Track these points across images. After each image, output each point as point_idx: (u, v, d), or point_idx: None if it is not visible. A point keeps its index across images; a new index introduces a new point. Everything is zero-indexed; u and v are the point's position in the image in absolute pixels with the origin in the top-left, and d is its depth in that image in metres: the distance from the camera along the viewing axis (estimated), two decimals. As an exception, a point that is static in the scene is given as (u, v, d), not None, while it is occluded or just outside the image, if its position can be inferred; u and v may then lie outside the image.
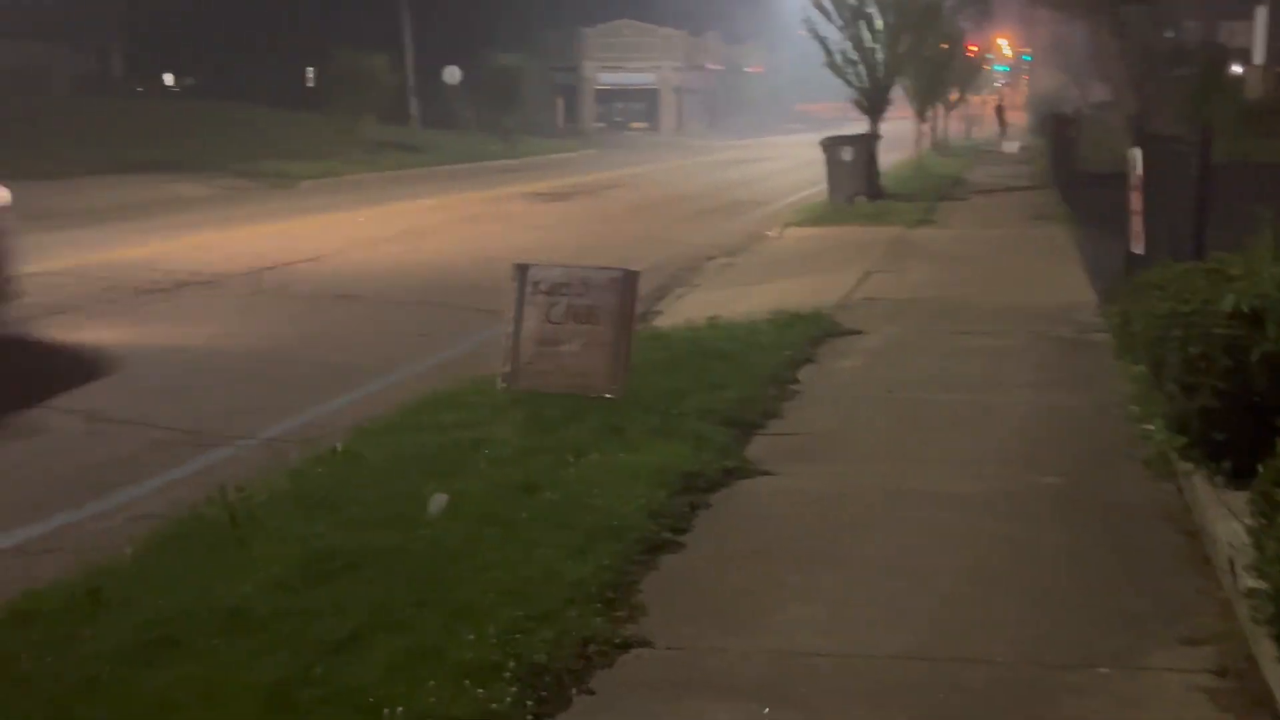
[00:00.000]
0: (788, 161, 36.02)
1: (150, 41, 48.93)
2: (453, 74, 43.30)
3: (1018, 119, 53.70)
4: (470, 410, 6.83)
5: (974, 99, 64.94)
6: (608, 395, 6.78)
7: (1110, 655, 3.91)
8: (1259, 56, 32.49)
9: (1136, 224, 8.56)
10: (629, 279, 6.95)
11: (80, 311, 11.09)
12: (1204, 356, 4.48)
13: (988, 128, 53.12)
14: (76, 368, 8.91)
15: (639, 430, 6.34)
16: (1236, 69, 34.26)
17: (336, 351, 9.60)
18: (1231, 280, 4.83)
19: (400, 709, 3.42)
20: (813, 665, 3.95)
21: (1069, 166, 19.65)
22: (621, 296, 6.89)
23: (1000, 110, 45.88)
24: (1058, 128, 23.95)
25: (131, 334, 10.17)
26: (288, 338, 10.19)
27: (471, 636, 3.90)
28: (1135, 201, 8.56)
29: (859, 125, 21.92)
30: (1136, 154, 8.32)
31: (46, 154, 25.34)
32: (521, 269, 7.08)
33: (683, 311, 10.95)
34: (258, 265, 13.96)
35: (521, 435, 6.29)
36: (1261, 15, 32.39)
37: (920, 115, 30.21)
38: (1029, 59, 73.59)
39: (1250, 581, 3.40)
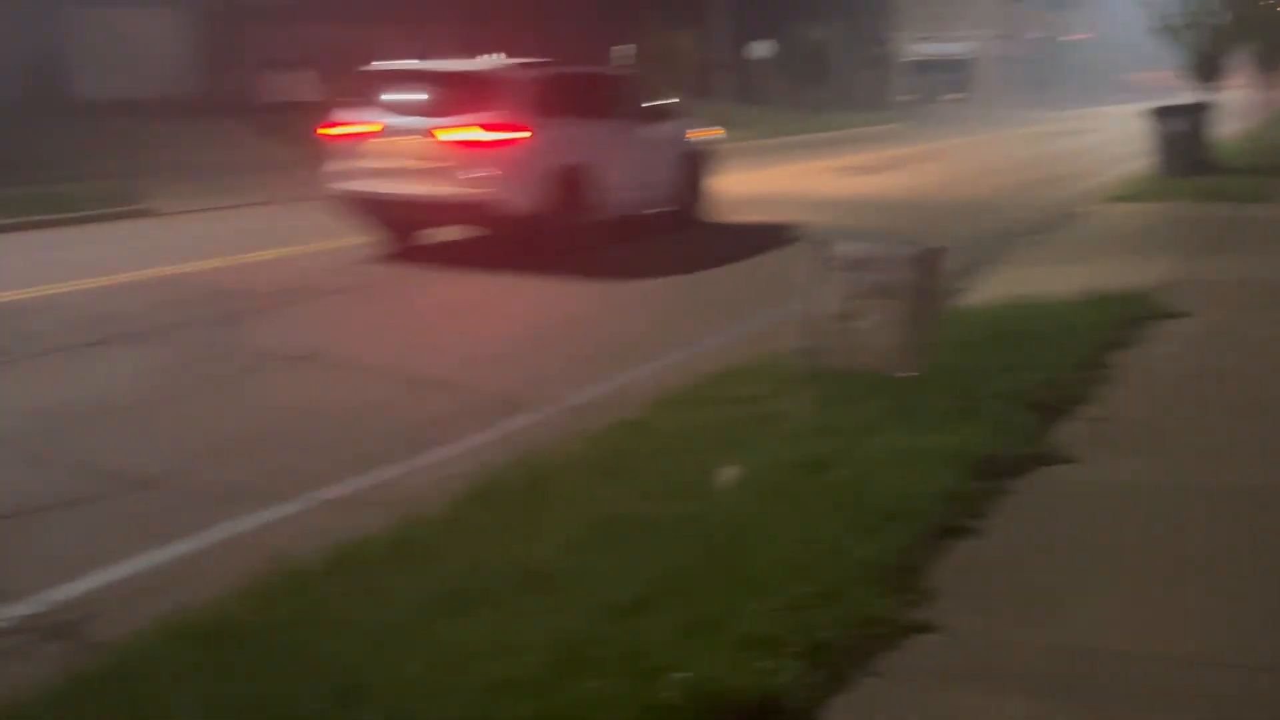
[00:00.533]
0: (1111, 133, 34.13)
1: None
2: (762, 48, 43.33)
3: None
4: (763, 385, 6.84)
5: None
6: (904, 374, 6.64)
7: None
8: None
9: None
10: (931, 256, 6.77)
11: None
12: None
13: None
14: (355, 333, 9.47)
15: (935, 411, 6.17)
16: None
17: (637, 323, 9.82)
18: None
19: (682, 674, 3.47)
20: (1107, 664, 3.75)
21: None
22: (922, 273, 6.72)
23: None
24: None
25: (457, 303, 10.73)
26: (588, 311, 10.49)
27: (755, 609, 3.91)
28: None
29: (1191, 96, 20.51)
30: None
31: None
32: (821, 244, 7.02)
33: (990, 289, 10.57)
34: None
35: (813, 412, 6.25)
36: None
37: (1263, 83, 27.89)
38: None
39: None
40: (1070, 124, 43.15)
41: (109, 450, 6.41)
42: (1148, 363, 7.57)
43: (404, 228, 13.00)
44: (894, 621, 3.98)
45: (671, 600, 4.03)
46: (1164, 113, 19.08)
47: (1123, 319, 8.54)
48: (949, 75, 64.33)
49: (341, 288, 11.09)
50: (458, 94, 12.09)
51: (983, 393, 6.46)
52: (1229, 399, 6.72)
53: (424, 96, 12.11)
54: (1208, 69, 19.72)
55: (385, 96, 12.29)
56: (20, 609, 4.55)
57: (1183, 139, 18.71)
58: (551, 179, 12.24)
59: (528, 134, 12.04)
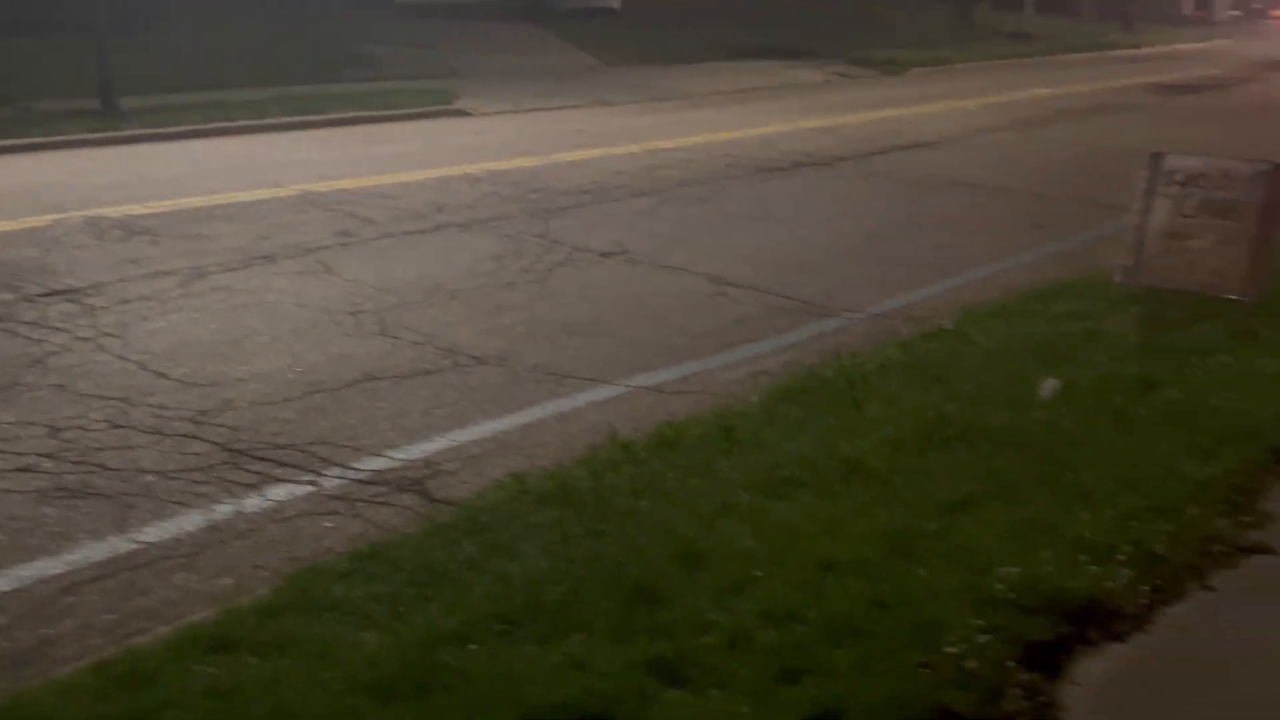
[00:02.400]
0: None
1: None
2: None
3: None
4: (1083, 301, 6.67)
5: None
6: (1240, 297, 6.33)
7: None
8: None
9: None
10: (1275, 173, 6.39)
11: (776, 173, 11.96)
12: None
13: None
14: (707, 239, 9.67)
15: (1274, 337, 5.88)
16: None
17: (944, 237, 9.66)
18: None
19: (1014, 570, 3.51)
20: None
21: None
22: (1269, 192, 6.36)
23: None
24: None
25: (754, 209, 10.84)
26: (896, 220, 10.38)
27: (1087, 517, 3.89)
28: None
29: None
30: None
31: (670, 39, 27.19)
32: (1156, 157, 6.74)
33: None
34: (868, 149, 14.26)
35: (1139, 331, 6.07)
36: None
37: None
38: None
39: None
40: None
41: (445, 327, 6.86)
42: None
43: None
44: (1232, 541, 3.89)
45: (998, 502, 4.05)
46: None
47: None
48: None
49: (645, 190, 11.36)
50: None
51: (1326, 322, 6.11)
52: None
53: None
54: None
55: None
56: (377, 463, 4.99)
57: None
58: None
59: None
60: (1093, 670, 3.23)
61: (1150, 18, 42.42)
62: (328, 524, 4.44)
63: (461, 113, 17.05)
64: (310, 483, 4.79)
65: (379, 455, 5.07)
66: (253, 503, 4.57)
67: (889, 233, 9.87)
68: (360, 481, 4.82)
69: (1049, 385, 5.19)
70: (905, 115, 18.09)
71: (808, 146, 14.45)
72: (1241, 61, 30.56)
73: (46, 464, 4.89)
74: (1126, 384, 5.25)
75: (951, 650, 3.12)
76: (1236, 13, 56.96)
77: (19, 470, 4.83)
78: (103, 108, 14.87)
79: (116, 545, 4.20)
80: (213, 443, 5.13)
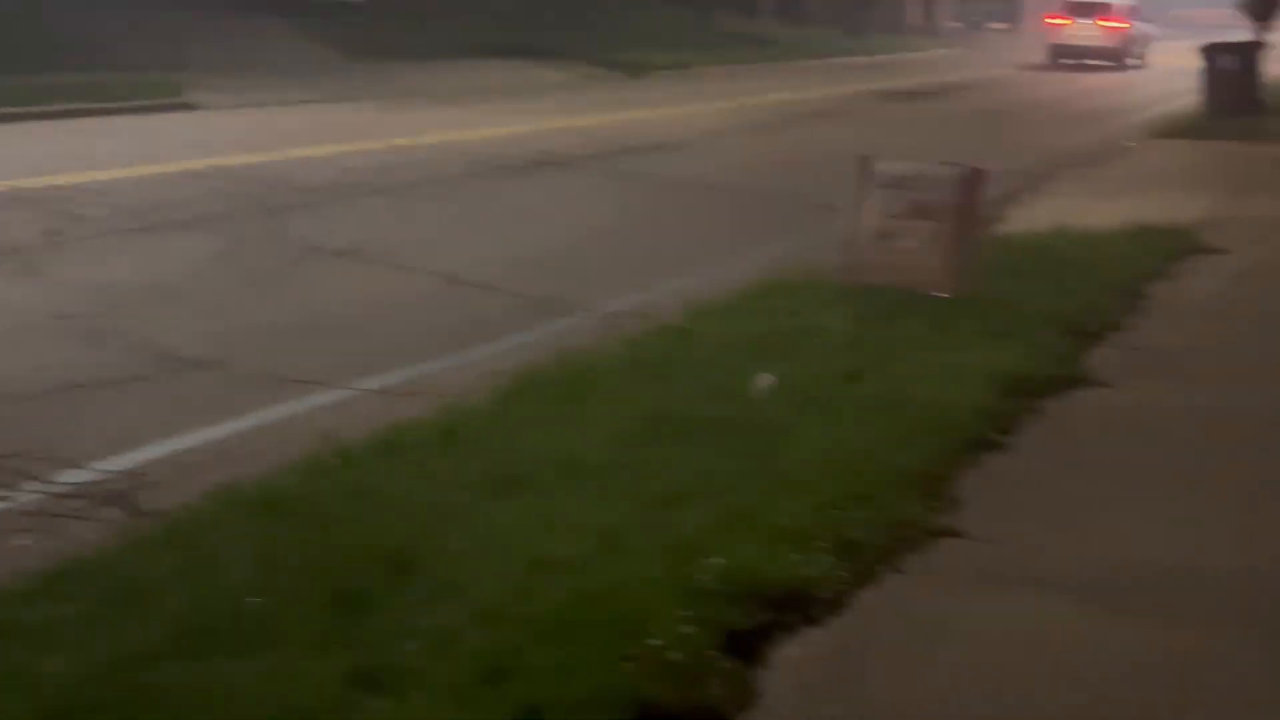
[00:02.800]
0: (1159, 69, 33.55)
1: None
2: (808, -33, 42.64)
3: None
4: (801, 299, 6.93)
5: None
6: (942, 294, 6.72)
7: None
8: None
9: None
10: (974, 177, 6.82)
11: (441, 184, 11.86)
12: None
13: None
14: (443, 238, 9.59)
15: (972, 330, 6.26)
16: None
17: (679, 236, 9.90)
18: None
19: (717, 560, 3.61)
20: (1136, 573, 3.88)
21: None
22: (965, 194, 6.78)
23: None
24: None
25: (492, 208, 10.81)
26: (635, 220, 10.58)
27: (789, 506, 4.05)
28: None
29: (1245, 34, 20.13)
30: None
31: (414, 35, 26.84)
32: (865, 161, 7.07)
33: (1029, 218, 10.57)
34: (610, 150, 14.45)
35: (850, 326, 6.35)
36: None
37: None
38: None
39: None
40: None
41: (161, 331, 6.57)
42: (1184, 295, 7.62)
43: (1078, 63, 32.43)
44: (922, 525, 4.11)
45: (709, 495, 4.16)
46: (1214, 50, 18.79)
47: (1162, 252, 8.57)
48: (995, 3, 63.15)
49: (382, 188, 11.18)
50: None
51: (1021, 315, 6.55)
52: (1260, 333, 6.77)
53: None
54: (1263, 8, 19.32)
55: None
56: (78, 475, 4.73)
57: (1233, 77, 18.43)
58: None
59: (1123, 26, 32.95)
60: (789, 654, 3.36)
61: (879, 27, 44.55)
62: (21, 542, 4.19)
63: (190, 106, 16.41)
64: (3, 498, 4.50)
65: (81, 467, 4.80)
66: (-66, 524, 4.27)
67: (627, 232, 10.04)
68: (59, 496, 4.56)
69: (763, 380, 5.37)
70: (647, 117, 18.44)
71: (550, 146, 14.53)
72: (962, 72, 32.43)
73: None
74: (836, 377, 5.49)
75: (655, 643, 3.18)
76: (958, 24, 60.46)
77: None
78: None
79: None
80: (-109, 461, 4.76)
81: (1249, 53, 18.71)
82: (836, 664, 3.36)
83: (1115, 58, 33.39)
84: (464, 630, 3.24)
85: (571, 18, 32.69)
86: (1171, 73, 26.50)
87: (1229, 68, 18.49)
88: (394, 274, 8.19)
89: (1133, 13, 35.50)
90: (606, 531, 3.85)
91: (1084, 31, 34.22)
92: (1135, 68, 34.36)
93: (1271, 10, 19.59)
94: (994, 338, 6.13)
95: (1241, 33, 20.18)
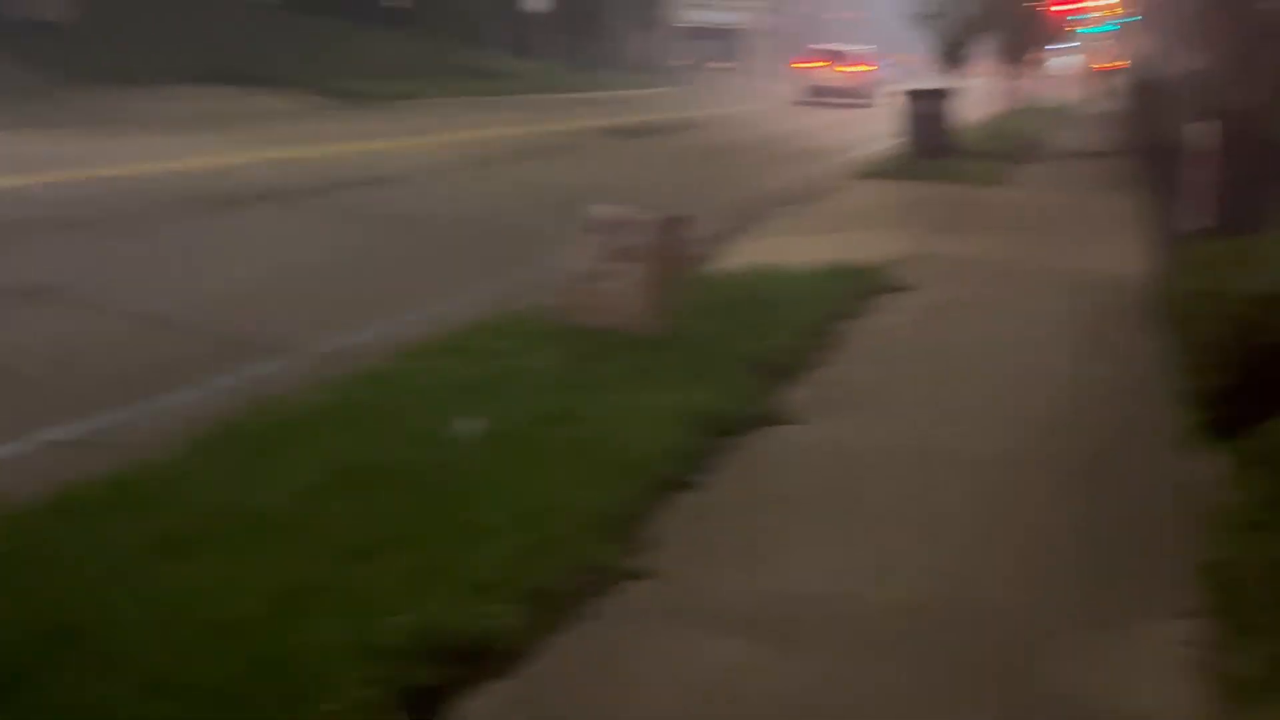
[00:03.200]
0: (868, 111, 35.55)
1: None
2: (539, 1, 43.18)
3: (1116, 82, 52.35)
4: (513, 340, 6.96)
5: (1085, 60, 63.21)
6: (648, 335, 6.88)
7: (1098, 621, 3.98)
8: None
9: (1196, 198, 8.46)
10: (676, 223, 7.03)
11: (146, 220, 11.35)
12: (1229, 336, 4.48)
13: (1083, 89, 51.86)
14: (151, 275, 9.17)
15: (674, 371, 6.43)
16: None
17: (398, 275, 9.78)
18: (1270, 263, 4.80)
19: (402, 617, 3.57)
20: (811, 608, 4.05)
21: (1149, 135, 19.24)
22: (668, 239, 6.97)
23: (1103, 72, 44.60)
24: (1141, 94, 23.41)
25: (201, 244, 10.42)
26: (353, 258, 10.38)
27: (480, 556, 4.05)
28: (1195, 175, 8.45)
29: (939, 81, 21.60)
30: (1198, 128, 8.20)
31: (126, 58, 25.64)
32: (575, 205, 7.18)
33: (740, 257, 10.98)
34: (331, 183, 14.17)
35: (558, 368, 6.42)
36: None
37: (1005, 73, 29.63)
38: (1128, 20, 71.64)
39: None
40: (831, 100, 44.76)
41: None
42: (874, 332, 8.06)
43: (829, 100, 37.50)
44: (613, 568, 4.18)
45: (400, 547, 4.11)
46: (913, 95, 20.06)
47: (856, 290, 9.04)
48: (719, 43, 65.62)
49: (82, 222, 10.60)
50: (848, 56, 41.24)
51: (718, 355, 6.77)
52: (942, 369, 7.22)
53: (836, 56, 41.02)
54: (955, 56, 20.79)
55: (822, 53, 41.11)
56: None
57: (929, 121, 19.73)
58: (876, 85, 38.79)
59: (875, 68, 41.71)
60: (474, 708, 3.36)
61: (607, 63, 45.48)
62: None
63: None
64: None
65: None
66: None
67: (343, 270, 9.85)
68: None
69: (467, 424, 5.36)
70: (372, 149, 18.20)
71: (267, 178, 14.14)
72: (685, 110, 33.44)
73: None
74: (538, 420, 5.53)
75: (330, 708, 3.12)
76: (682, 62, 62.39)
77: None
78: None
79: None
80: None
81: (943, 99, 20.07)
82: (523, 712, 3.38)
83: (856, 95, 40.20)
84: (126, 703, 3.09)
85: (297, 44, 31.92)
86: (891, 113, 28.02)
87: (926, 113, 19.77)
88: (88, 315, 7.77)
89: (871, 58, 43.97)
90: (290, 591, 3.74)
91: (830, 74, 41.71)
92: (866, 106, 38.83)
93: (963, 60, 21.07)
94: (692, 378, 6.31)
95: (936, 79, 21.65)
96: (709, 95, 42.50)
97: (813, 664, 3.69)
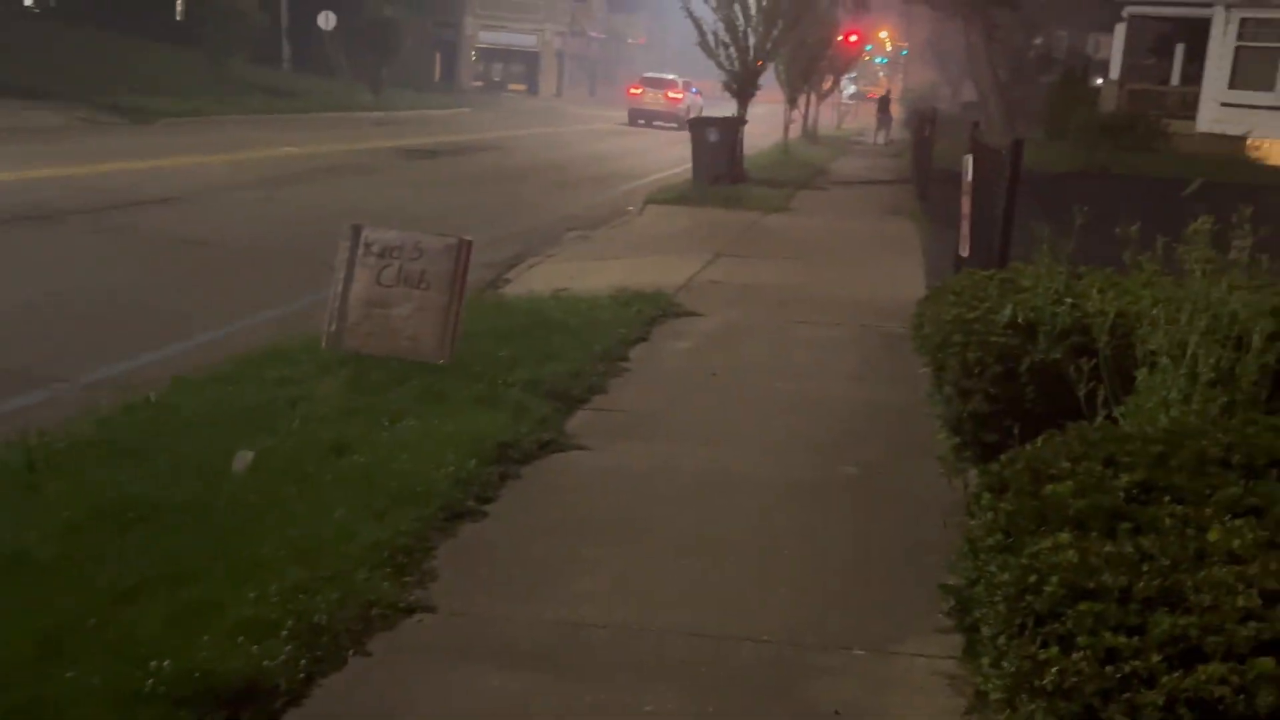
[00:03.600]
0: (662, 137, 36.16)
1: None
2: (328, 19, 42.37)
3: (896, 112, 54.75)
4: (294, 368, 6.81)
5: (867, 90, 65.71)
6: (434, 361, 6.83)
7: (869, 639, 4.14)
8: (1115, 71, 33.70)
9: (965, 227, 8.90)
10: (462, 247, 6.99)
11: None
12: (979, 362, 4.73)
13: (864, 119, 53.95)
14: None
15: (461, 398, 6.40)
16: (1100, 80, 35.53)
17: (173, 299, 9.44)
18: (1021, 291, 5.09)
19: (169, 662, 3.45)
20: (591, 636, 4.09)
21: (927, 164, 20.18)
22: (454, 263, 6.94)
23: (885, 102, 46.60)
24: (918, 124, 24.54)
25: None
26: (128, 282, 9.97)
27: (254, 594, 3.94)
28: (965, 205, 8.90)
29: (729, 109, 22.11)
30: (968, 159, 8.65)
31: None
32: (355, 229, 7.08)
33: (533, 281, 11.03)
34: (104, 203, 13.57)
35: (341, 396, 6.31)
36: (1120, 31, 33.59)
37: (792, 102, 30.58)
38: (905, 53, 75.09)
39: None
40: (626, 124, 45.39)
41: None
42: (661, 357, 8.19)
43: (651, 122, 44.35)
44: (393, 603, 4.13)
45: (168, 586, 3.97)
46: (699, 124, 20.51)
47: (644, 316, 9.17)
48: (515, 66, 65.74)
49: None
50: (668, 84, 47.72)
51: (508, 381, 6.77)
52: (725, 393, 7.40)
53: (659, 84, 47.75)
54: (743, 85, 21.32)
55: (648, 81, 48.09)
56: None
57: (717, 149, 20.19)
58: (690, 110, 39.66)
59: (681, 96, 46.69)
60: (244, 753, 3.27)
61: (402, 83, 44.94)
62: None
63: None
64: None
65: None
66: None
67: (115, 295, 9.45)
68: None
69: (242, 456, 5.21)
70: (151, 167, 17.54)
71: (34, 198, 13.46)
72: (480, 131, 33.33)
73: None
74: (319, 450, 5.42)
75: (87, 759, 2.99)
76: (479, 83, 62.24)
77: None
78: None
79: None
80: None
81: (730, 127, 20.57)
82: (292, 758, 3.30)
83: (676, 119, 43.41)
84: None
85: (70, 56, 30.47)
86: (678, 141, 28.50)
87: (714, 141, 20.23)
88: None
89: (686, 86, 49.44)
90: (48, 635, 3.57)
91: (654, 100, 47.69)
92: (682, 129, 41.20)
93: (750, 89, 21.62)
94: (481, 405, 6.29)
95: (727, 107, 22.15)
96: (508, 117, 42.52)
97: (593, 692, 3.72)
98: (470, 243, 7.05)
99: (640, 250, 13.57)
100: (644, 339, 8.62)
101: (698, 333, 9.03)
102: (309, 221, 13.70)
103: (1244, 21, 30.34)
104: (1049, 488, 2.72)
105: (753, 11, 20.96)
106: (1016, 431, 4.34)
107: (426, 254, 6.91)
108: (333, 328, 6.96)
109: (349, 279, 6.93)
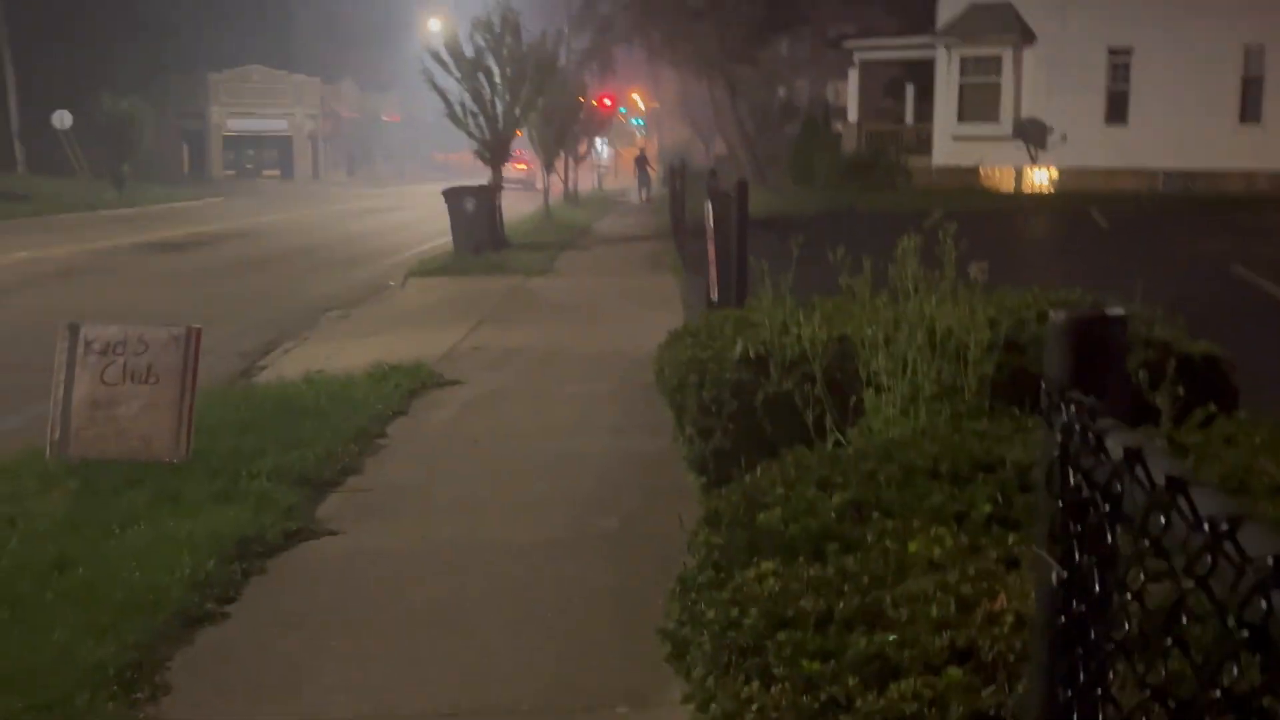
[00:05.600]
0: (422, 211, 35.80)
1: None
2: (63, 119, 40.60)
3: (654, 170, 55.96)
4: (14, 483, 6.31)
5: (622, 150, 66.88)
6: (170, 459, 6.45)
7: (631, 695, 4.03)
8: (853, 115, 35.28)
9: (712, 272, 9.03)
10: (190, 335, 6.65)
11: None
12: (716, 400, 4.73)
13: (624, 178, 54.90)
14: None
15: (200, 495, 6.05)
16: (840, 125, 37.12)
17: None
18: (753, 326, 5.13)
19: None
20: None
21: (682, 217, 20.58)
22: (184, 354, 6.58)
23: (641, 161, 47.41)
24: (673, 180, 25.07)
25: None
26: None
27: (-47, 736, 3.57)
28: (710, 251, 9.03)
29: (484, 177, 22.10)
30: (708, 206, 8.79)
31: None
32: (73, 327, 6.65)
33: (287, 367, 10.63)
34: None
35: (68, 508, 5.88)
36: (853, 76, 35.23)
37: (548, 166, 30.83)
38: (640, 122, 77.06)
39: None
40: (384, 201, 44.78)
41: None
42: (417, 431, 7.98)
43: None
44: (120, 723, 3.81)
45: None
46: (455, 194, 20.41)
47: (404, 389, 8.94)
48: (268, 151, 64.36)
49: None
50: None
51: (252, 472, 6.44)
52: (484, 460, 7.23)
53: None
54: (495, 153, 21.35)
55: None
56: None
57: (476, 218, 20.10)
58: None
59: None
60: None
61: (149, 176, 43.37)
62: None
63: None
64: None
65: None
66: None
67: None
68: None
69: (-52, 586, 4.77)
70: None
71: None
72: (231, 220, 32.35)
73: None
74: (39, 568, 5.01)
75: None
76: (231, 172, 60.69)
77: None
78: None
79: None
80: None
81: (486, 195, 20.54)
82: None
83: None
84: None
85: None
86: (438, 214, 28.30)
87: (471, 209, 20.14)
88: None
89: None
90: None
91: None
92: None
93: (503, 156, 21.68)
94: (222, 500, 5.96)
95: (483, 176, 22.14)
96: (262, 203, 41.43)
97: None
98: (199, 330, 6.71)
99: (401, 324, 13.31)
100: (403, 412, 8.39)
101: (458, 401, 8.86)
102: (35, 328, 12.88)
103: (964, 60, 32.24)
104: (760, 516, 2.68)
105: (498, 80, 21.07)
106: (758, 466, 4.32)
107: (152, 347, 6.54)
108: (56, 435, 6.49)
109: (70, 381, 6.49)
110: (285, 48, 62.26)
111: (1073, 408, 1.22)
